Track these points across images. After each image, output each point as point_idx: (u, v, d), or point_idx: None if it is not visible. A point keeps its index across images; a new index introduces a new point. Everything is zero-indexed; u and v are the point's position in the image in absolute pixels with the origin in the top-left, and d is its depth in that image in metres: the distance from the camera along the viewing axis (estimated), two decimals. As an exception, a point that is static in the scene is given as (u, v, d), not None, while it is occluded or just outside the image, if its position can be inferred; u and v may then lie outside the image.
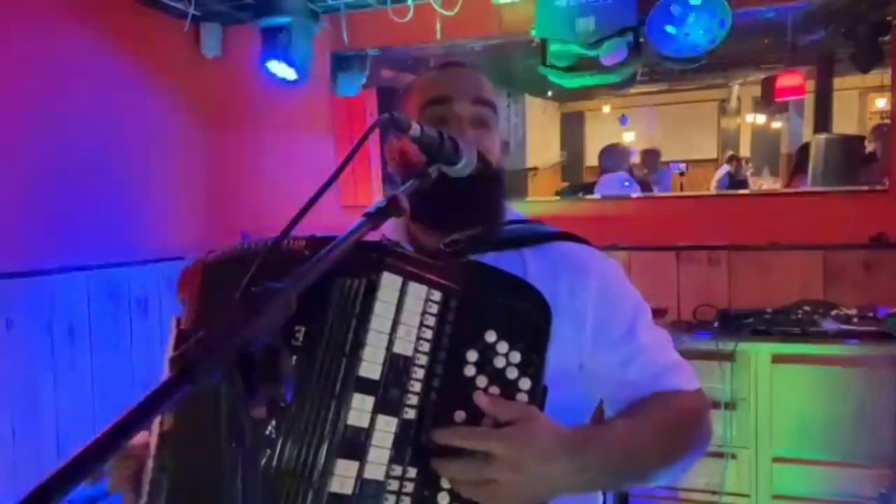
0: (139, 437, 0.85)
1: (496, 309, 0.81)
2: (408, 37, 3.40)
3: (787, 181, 4.21)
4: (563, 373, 0.83)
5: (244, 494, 0.53)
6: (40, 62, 2.74)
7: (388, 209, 0.75)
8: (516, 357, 0.80)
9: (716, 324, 2.69)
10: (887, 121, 3.04)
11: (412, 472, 0.77)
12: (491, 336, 0.80)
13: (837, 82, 3.83)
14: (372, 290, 0.79)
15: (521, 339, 0.81)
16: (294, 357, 0.76)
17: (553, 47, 3.03)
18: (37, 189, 2.72)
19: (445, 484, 0.77)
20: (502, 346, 0.80)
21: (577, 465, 0.80)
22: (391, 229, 1.09)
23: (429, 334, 0.80)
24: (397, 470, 0.76)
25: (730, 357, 2.49)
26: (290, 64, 3.11)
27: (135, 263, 3.07)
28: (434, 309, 0.80)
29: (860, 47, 3.09)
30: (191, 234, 3.41)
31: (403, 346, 0.79)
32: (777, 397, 2.48)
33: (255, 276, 0.59)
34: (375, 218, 0.74)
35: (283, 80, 3.19)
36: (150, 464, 0.85)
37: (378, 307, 0.78)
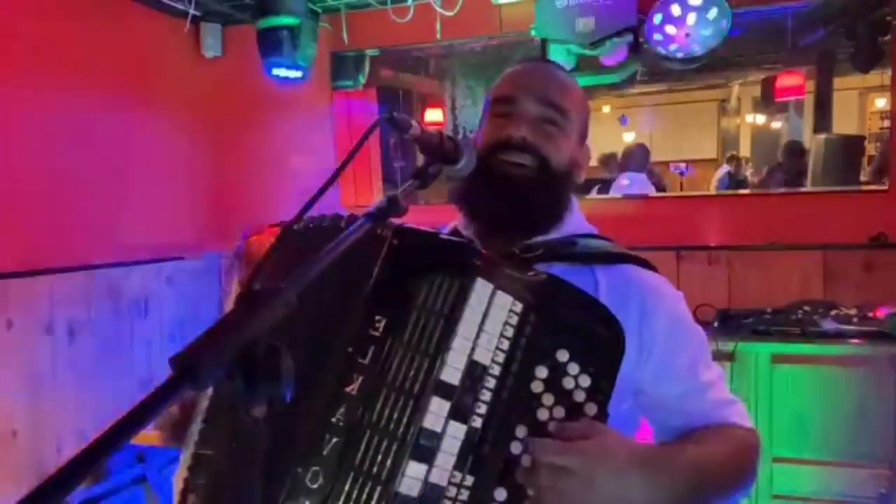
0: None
1: (572, 329, 0.80)
2: (408, 37, 3.40)
3: (764, 178, 4.22)
4: (618, 397, 0.81)
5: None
6: (39, 62, 2.74)
7: (389, 209, 0.75)
8: (586, 381, 0.79)
9: (716, 324, 2.69)
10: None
11: (469, 481, 0.76)
12: (563, 355, 0.79)
13: (837, 82, 3.82)
14: (464, 294, 0.78)
15: (593, 364, 0.79)
16: (371, 347, 0.76)
17: (553, 47, 3.03)
18: (37, 189, 2.72)
19: (499, 496, 0.76)
20: (573, 368, 0.79)
21: (648, 484, 0.79)
22: (463, 225, 1.07)
23: (505, 345, 0.79)
24: (457, 477, 0.76)
25: (730, 357, 2.48)
26: (294, 64, 3.11)
27: (135, 263, 3.07)
28: (514, 320, 0.80)
29: (860, 47, 3.09)
30: (191, 234, 3.40)
31: (482, 355, 0.78)
32: (777, 397, 2.48)
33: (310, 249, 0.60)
34: (375, 218, 0.74)
35: (284, 80, 3.19)
36: (195, 428, 0.81)
37: (467, 312, 0.78)
